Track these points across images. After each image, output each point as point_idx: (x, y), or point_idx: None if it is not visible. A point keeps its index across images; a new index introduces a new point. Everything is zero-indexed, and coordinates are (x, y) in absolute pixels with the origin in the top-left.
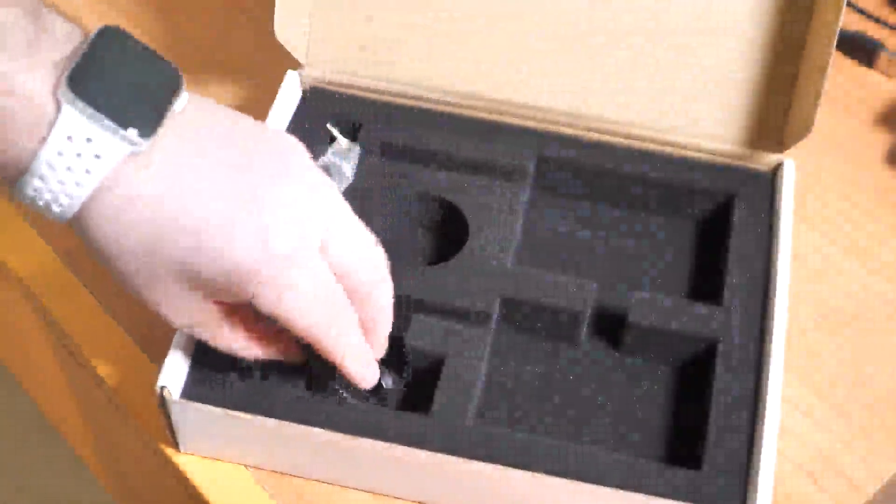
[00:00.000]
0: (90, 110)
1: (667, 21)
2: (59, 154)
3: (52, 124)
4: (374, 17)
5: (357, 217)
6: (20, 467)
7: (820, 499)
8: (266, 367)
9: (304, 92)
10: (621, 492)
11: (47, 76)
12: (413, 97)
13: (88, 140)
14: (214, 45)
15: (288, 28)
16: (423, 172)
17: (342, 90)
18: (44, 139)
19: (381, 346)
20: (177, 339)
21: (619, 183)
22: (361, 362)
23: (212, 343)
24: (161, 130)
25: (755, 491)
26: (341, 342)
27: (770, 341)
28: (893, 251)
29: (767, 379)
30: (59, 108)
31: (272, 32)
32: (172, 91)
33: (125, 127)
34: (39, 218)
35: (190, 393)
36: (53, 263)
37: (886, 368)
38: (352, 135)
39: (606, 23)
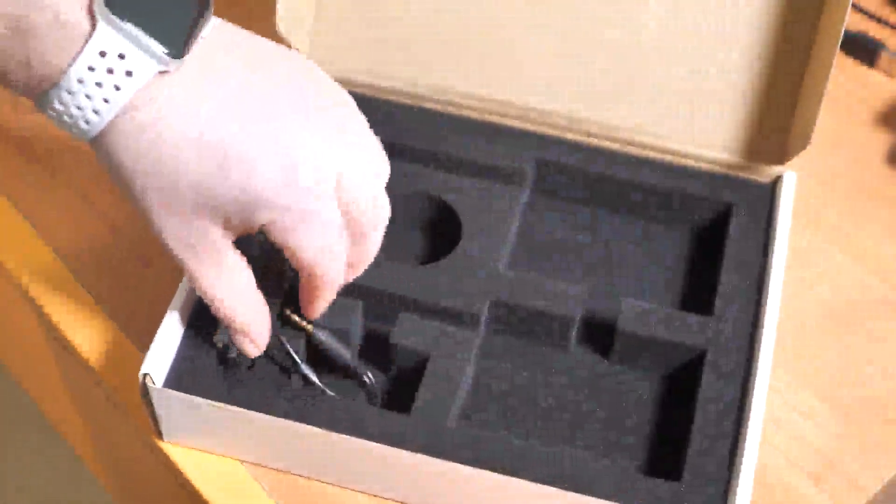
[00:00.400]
0: (126, 26)
1: (670, 29)
2: (91, 69)
3: (85, 40)
4: (376, 16)
5: (375, 151)
6: (20, 467)
7: (820, 499)
8: (251, 359)
9: None
10: (597, 500)
11: None
12: (414, 97)
13: (121, 56)
14: None
15: (290, 24)
16: (421, 172)
17: (343, 87)
18: (76, 55)
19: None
20: (163, 328)
21: (617, 189)
22: (329, 299)
23: (201, 284)
24: (192, 51)
25: (734, 502)
26: (331, 279)
27: (757, 354)
28: (893, 251)
29: (753, 389)
30: (93, 24)
31: (274, 28)
32: (202, 13)
33: (158, 45)
34: (39, 217)
35: (173, 382)
36: (51, 263)
37: (886, 369)
38: None
39: (609, 28)
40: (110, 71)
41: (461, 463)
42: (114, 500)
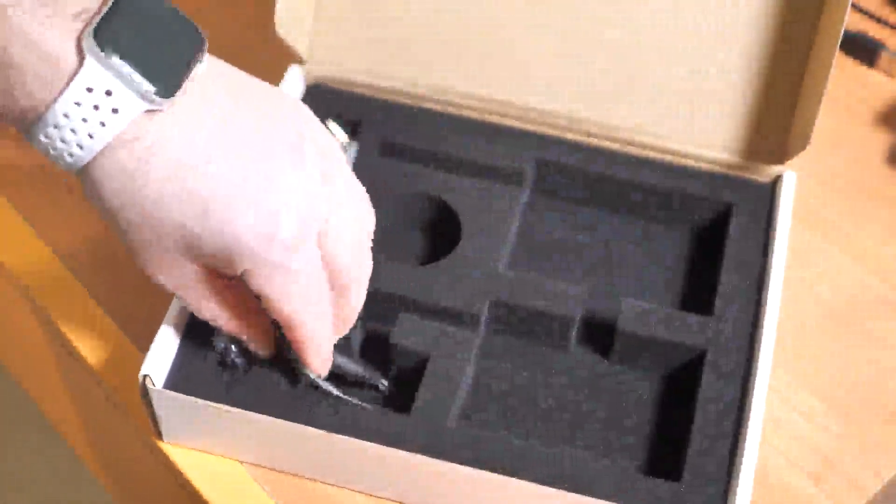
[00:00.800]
0: (115, 63)
1: (669, 29)
2: (77, 104)
3: (71, 76)
4: (375, 17)
5: (361, 202)
6: (20, 467)
7: (820, 499)
8: (251, 360)
9: (306, 87)
10: (597, 500)
11: (67, 29)
12: (414, 96)
13: (108, 93)
14: (216, 40)
15: (290, 24)
16: (421, 172)
17: (343, 87)
18: (62, 90)
19: (337, 337)
20: (163, 329)
21: (617, 189)
22: (322, 353)
23: (195, 309)
24: (180, 91)
25: (734, 502)
26: (314, 332)
27: (757, 354)
28: (893, 251)
29: (752, 389)
30: (80, 60)
31: (274, 27)
32: (195, 53)
33: (147, 84)
34: (38, 217)
35: (173, 383)
36: (51, 263)
37: (886, 369)
38: (350, 132)
39: (609, 28)
40: (96, 107)
41: (461, 463)
42: (114, 500)
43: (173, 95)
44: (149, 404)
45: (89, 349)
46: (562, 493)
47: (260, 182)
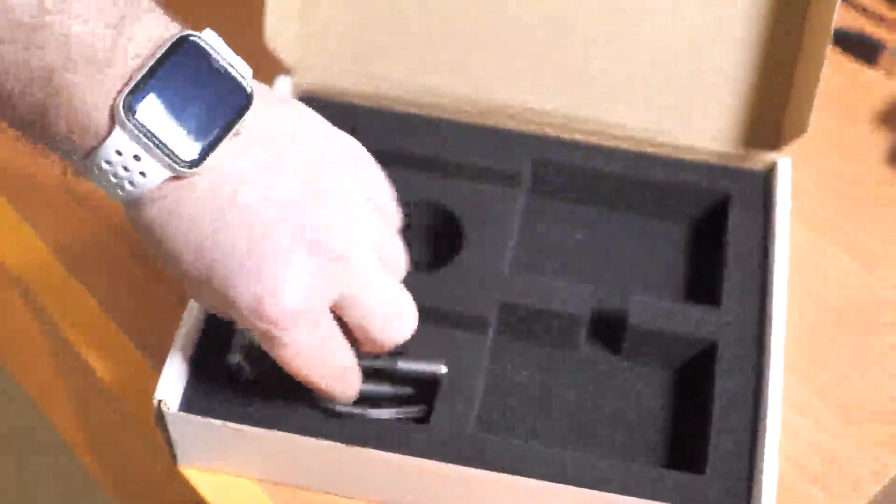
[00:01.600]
0: (140, 135)
1: (661, 22)
2: (108, 163)
3: (103, 138)
4: (365, 22)
5: (398, 265)
6: (20, 468)
7: (821, 499)
8: (265, 377)
9: (295, 97)
10: (624, 497)
11: (109, 91)
12: (407, 102)
13: (136, 158)
14: None
15: (278, 34)
16: (418, 178)
17: (334, 96)
18: (95, 148)
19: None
20: (173, 351)
21: (614, 185)
22: (347, 394)
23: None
24: (211, 157)
25: (759, 493)
26: (330, 388)
27: (769, 342)
28: (893, 251)
29: (767, 380)
30: (111, 126)
31: (262, 38)
32: (234, 117)
33: (171, 157)
34: (38, 217)
35: (188, 405)
36: (51, 263)
37: (886, 368)
38: None
39: (600, 25)
40: (126, 168)
41: (483, 469)
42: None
43: (199, 165)
44: (164, 428)
45: (89, 349)
46: (590, 492)
47: (263, 254)
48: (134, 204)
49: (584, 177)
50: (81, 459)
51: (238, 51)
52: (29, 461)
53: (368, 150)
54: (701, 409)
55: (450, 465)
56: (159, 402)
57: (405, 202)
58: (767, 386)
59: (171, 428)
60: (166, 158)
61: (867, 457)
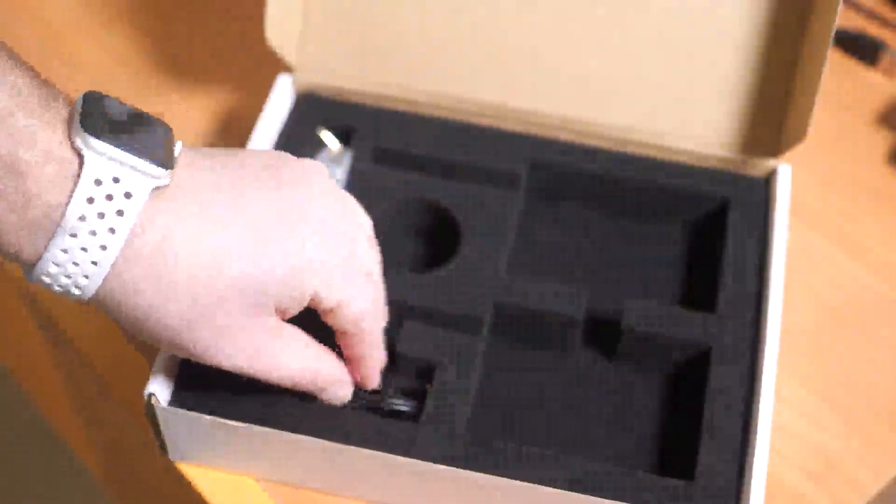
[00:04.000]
0: (112, 150)
1: (661, 25)
2: (89, 201)
3: (76, 175)
4: (366, 22)
5: (367, 260)
6: (21, 470)
7: (820, 499)
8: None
9: (296, 96)
10: (615, 503)
11: (63, 132)
12: (406, 102)
13: (116, 180)
14: (205, 50)
15: (279, 32)
16: (417, 178)
17: (334, 95)
18: (71, 190)
19: (372, 378)
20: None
21: (612, 188)
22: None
23: (275, 373)
24: (177, 164)
25: (748, 499)
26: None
27: (764, 348)
28: (893, 251)
29: (761, 385)
30: (80, 158)
31: (263, 36)
32: (170, 135)
33: (146, 161)
34: None
35: (178, 400)
36: None
37: (886, 368)
38: (343, 140)
39: (599, 27)
40: (109, 197)
41: (473, 470)
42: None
43: (173, 167)
44: (154, 423)
45: (90, 349)
46: (578, 496)
47: (267, 240)
48: (122, 259)
49: (582, 179)
50: (80, 457)
51: (239, 50)
52: (29, 460)
53: (367, 149)
54: (694, 414)
55: (440, 466)
56: (149, 396)
57: (402, 201)
58: (760, 392)
59: (161, 422)
60: (142, 163)
61: (867, 457)
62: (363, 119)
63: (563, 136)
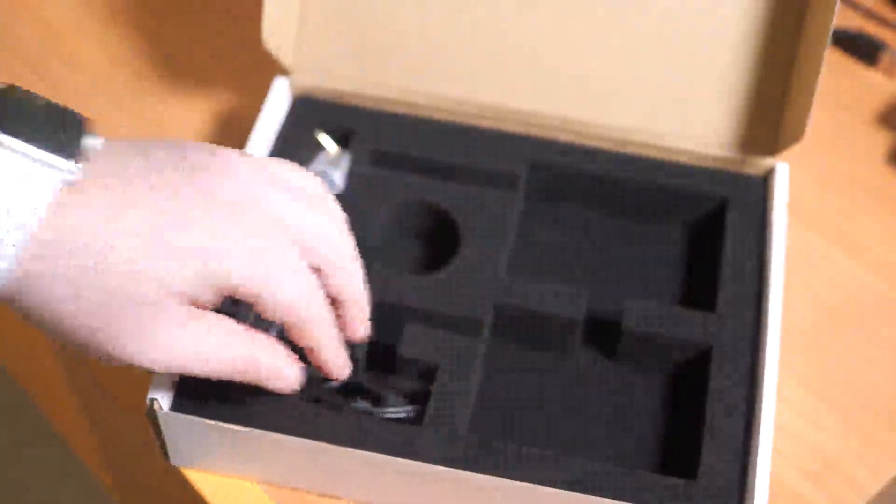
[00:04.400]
0: (20, 145)
1: (658, 25)
2: None
3: None
4: (364, 23)
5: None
6: (21, 471)
7: (819, 499)
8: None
9: (293, 99)
10: (616, 503)
11: None
12: (404, 104)
13: (24, 174)
14: (204, 51)
15: (276, 35)
16: (415, 180)
17: (331, 97)
18: None
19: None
20: None
21: (611, 189)
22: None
23: (221, 368)
24: (89, 156)
25: (752, 499)
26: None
27: (764, 347)
28: (893, 251)
29: (762, 385)
30: None
31: (260, 39)
32: (83, 128)
33: (56, 155)
34: None
35: (180, 404)
36: None
37: (886, 368)
38: (342, 142)
39: (599, 27)
40: (17, 192)
41: (476, 472)
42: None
43: (84, 161)
44: (156, 428)
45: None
46: (579, 496)
47: (156, 243)
48: (30, 254)
49: (582, 179)
50: (82, 458)
51: (238, 51)
52: (28, 459)
53: (365, 151)
54: (694, 414)
55: (441, 467)
56: (152, 400)
57: (402, 204)
58: (761, 392)
59: (163, 427)
60: (50, 158)
61: (867, 457)
62: (361, 121)
63: (563, 136)
